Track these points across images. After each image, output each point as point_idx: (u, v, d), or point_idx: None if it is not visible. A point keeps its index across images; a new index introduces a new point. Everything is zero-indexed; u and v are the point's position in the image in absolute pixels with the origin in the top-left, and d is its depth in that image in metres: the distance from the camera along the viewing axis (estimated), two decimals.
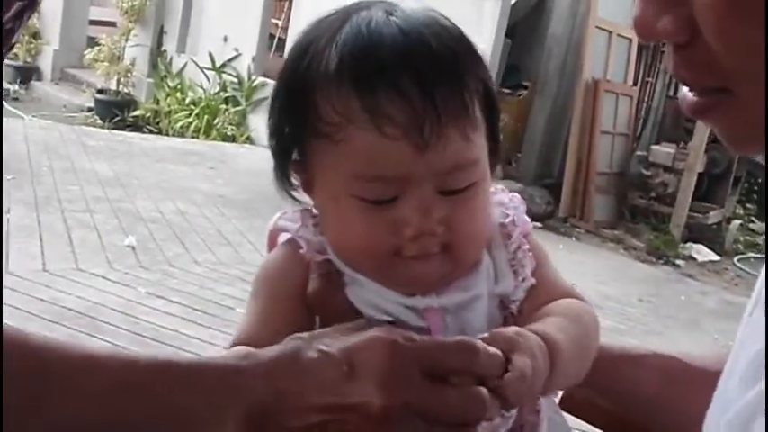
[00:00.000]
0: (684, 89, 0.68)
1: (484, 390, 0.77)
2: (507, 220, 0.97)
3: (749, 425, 0.55)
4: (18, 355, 0.74)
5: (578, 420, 1.16)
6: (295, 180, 0.95)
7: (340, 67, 0.86)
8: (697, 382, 0.76)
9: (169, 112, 11.47)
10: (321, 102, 0.87)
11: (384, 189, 0.86)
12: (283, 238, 0.97)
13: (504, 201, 0.99)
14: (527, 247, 0.97)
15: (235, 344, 0.91)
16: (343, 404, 0.74)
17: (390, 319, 0.90)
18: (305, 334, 0.80)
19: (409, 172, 0.85)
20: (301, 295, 0.93)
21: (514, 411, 0.93)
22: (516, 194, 1.02)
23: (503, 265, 0.95)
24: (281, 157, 0.95)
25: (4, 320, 0.77)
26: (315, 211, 0.96)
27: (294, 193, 0.96)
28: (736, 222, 9.98)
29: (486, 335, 0.82)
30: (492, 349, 0.79)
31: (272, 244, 0.99)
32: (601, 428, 1.22)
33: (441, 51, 0.87)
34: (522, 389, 0.80)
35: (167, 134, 11.00)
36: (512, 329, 0.85)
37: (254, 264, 5.77)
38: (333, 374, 0.75)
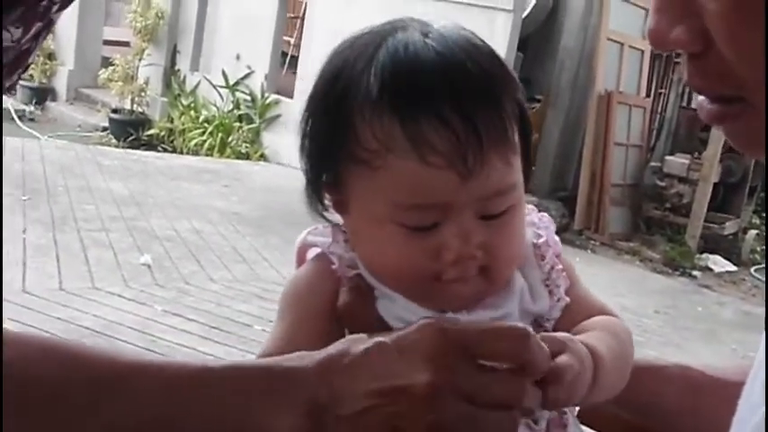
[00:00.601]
0: (700, 98, 0.69)
1: (526, 379, 0.77)
2: (540, 241, 0.97)
3: None
4: (71, 364, 0.76)
5: None
6: (327, 200, 0.94)
7: (380, 94, 0.85)
8: (719, 394, 0.76)
9: (183, 130, 11.52)
10: (360, 127, 0.86)
11: (425, 216, 0.86)
12: (312, 253, 0.97)
13: (535, 221, 0.99)
14: (560, 267, 0.97)
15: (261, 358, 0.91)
16: (393, 386, 0.74)
17: None
18: (352, 336, 0.81)
19: (452, 199, 0.85)
20: (331, 311, 0.92)
21: (542, 425, 0.93)
22: (546, 215, 1.02)
23: (537, 285, 0.96)
24: (314, 178, 0.94)
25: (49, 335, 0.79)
26: (344, 229, 0.96)
27: (325, 213, 0.95)
28: (753, 232, 9.93)
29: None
30: (542, 343, 0.79)
31: (300, 260, 0.99)
32: None
33: (479, 75, 0.86)
34: (564, 388, 0.80)
35: (182, 152, 11.05)
36: (562, 334, 0.86)
37: (270, 281, 5.79)
38: (384, 359, 0.76)
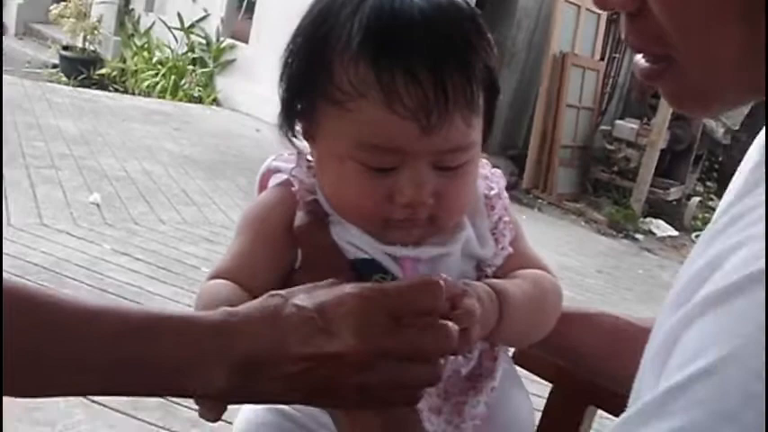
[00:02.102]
0: (637, 56, 0.75)
1: (450, 323, 0.83)
2: (492, 193, 1.04)
3: (680, 335, 0.61)
4: (19, 306, 0.78)
5: (528, 373, 1.22)
6: (297, 128, 0.99)
7: (361, 45, 0.89)
8: (639, 339, 0.81)
9: (136, 71, 11.39)
10: (338, 70, 0.91)
11: (385, 159, 0.91)
12: (274, 180, 1.03)
13: (488, 174, 1.06)
14: (507, 218, 1.05)
15: (214, 276, 0.97)
16: (322, 354, 0.79)
17: (368, 257, 0.97)
18: (282, 291, 0.84)
19: (411, 148, 0.91)
20: (287, 232, 0.98)
21: (475, 354, 1.00)
22: (498, 169, 1.08)
23: (485, 233, 1.03)
24: (288, 106, 0.98)
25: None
26: (310, 157, 1.01)
27: (293, 140, 1.00)
28: (696, 199, 10.13)
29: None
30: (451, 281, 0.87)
31: (262, 186, 1.05)
32: (550, 381, 1.29)
33: (456, 39, 0.91)
34: (472, 325, 0.88)
35: (133, 93, 10.93)
36: (460, 281, 0.94)
37: (218, 224, 5.80)
38: (309, 329, 0.80)
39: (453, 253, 1.00)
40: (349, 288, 0.82)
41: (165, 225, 5.57)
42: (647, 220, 9.33)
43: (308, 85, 0.95)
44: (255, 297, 0.89)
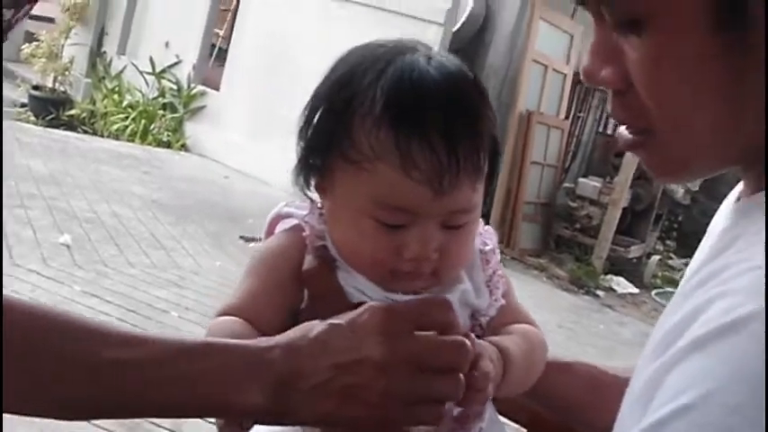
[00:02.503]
0: (621, 127, 0.86)
1: (463, 338, 0.91)
2: (487, 248, 1.13)
3: (663, 379, 0.70)
4: (66, 336, 0.85)
5: (508, 420, 1.30)
6: (312, 181, 1.06)
7: (382, 112, 0.97)
8: (614, 387, 0.89)
9: (105, 113, 11.42)
10: (358, 133, 0.98)
11: (397, 217, 0.99)
12: (284, 225, 1.10)
13: (481, 231, 1.15)
14: (501, 272, 1.14)
15: (223, 313, 1.04)
16: (350, 360, 0.86)
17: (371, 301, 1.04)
18: (309, 323, 0.92)
19: (422, 209, 0.99)
20: (296, 275, 1.05)
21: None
22: (490, 227, 1.17)
23: (481, 285, 1.11)
24: (304, 160, 1.06)
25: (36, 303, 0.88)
26: (321, 207, 1.08)
27: (307, 192, 1.08)
28: (656, 258, 10.30)
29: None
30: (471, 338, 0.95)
31: (269, 231, 1.12)
32: (524, 426, 1.35)
33: (468, 111, 1.00)
34: (487, 387, 0.97)
35: (102, 136, 10.95)
36: (479, 342, 1.01)
37: (187, 269, 5.84)
38: (340, 338, 0.88)
39: (452, 302, 1.08)
40: (376, 303, 0.91)
41: (135, 268, 5.60)
42: (608, 277, 9.47)
43: (326, 143, 1.02)
44: (263, 334, 0.97)
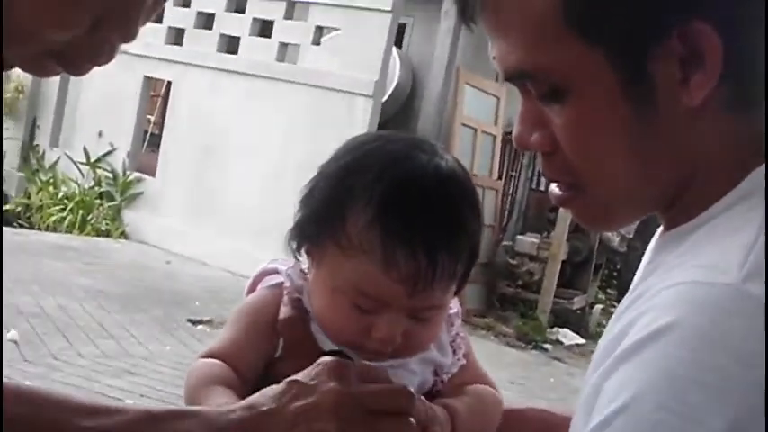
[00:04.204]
0: (552, 185, 0.99)
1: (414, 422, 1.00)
2: (452, 312, 1.23)
3: (601, 387, 0.81)
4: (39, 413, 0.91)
5: None
6: (303, 247, 1.18)
7: (375, 216, 1.08)
8: (564, 427, 1.00)
9: (41, 206, 11.34)
10: (351, 225, 1.10)
11: (369, 304, 1.11)
12: (267, 281, 1.21)
13: None
14: (463, 334, 1.25)
15: (207, 356, 1.15)
16: (307, 403, 0.95)
17: (338, 348, 1.15)
18: (270, 389, 1.00)
19: (395, 303, 1.10)
20: (273, 324, 1.17)
21: None
22: None
23: (445, 344, 1.22)
24: (301, 228, 1.17)
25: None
26: (303, 266, 1.20)
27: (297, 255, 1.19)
28: (599, 307, 10.48)
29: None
30: (422, 400, 1.06)
31: (254, 284, 1.24)
32: None
33: (456, 227, 1.12)
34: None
35: (40, 229, 10.86)
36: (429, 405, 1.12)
37: (138, 356, 5.83)
38: (295, 387, 0.97)
39: (409, 363, 1.18)
40: (333, 384, 0.98)
41: (85, 359, 5.58)
42: (554, 330, 9.60)
43: (322, 222, 1.13)
44: (241, 376, 1.10)
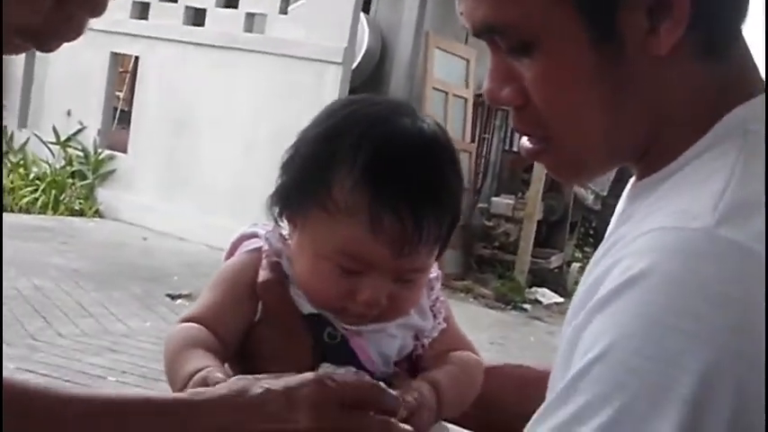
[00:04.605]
0: (523, 138, 0.99)
1: (389, 418, 1.00)
2: (432, 276, 1.23)
3: (579, 336, 0.82)
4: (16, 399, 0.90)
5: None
6: (285, 213, 1.17)
7: (361, 177, 1.08)
8: (543, 381, 1.01)
9: (13, 188, 11.25)
10: (336, 188, 1.09)
11: (355, 265, 1.10)
12: (246, 245, 1.21)
13: None
14: (443, 298, 1.25)
15: (186, 319, 1.14)
16: (281, 429, 0.93)
17: (318, 311, 1.15)
18: (250, 376, 0.99)
19: (381, 265, 1.10)
20: (253, 288, 1.16)
21: None
22: None
23: (426, 308, 1.23)
24: (283, 194, 1.16)
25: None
26: (283, 231, 1.19)
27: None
28: (576, 265, 10.55)
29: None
30: (392, 392, 1.04)
31: (233, 249, 1.23)
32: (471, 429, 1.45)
33: (441, 189, 1.12)
34: (415, 418, 1.07)
35: (12, 211, 10.78)
36: (413, 387, 1.13)
37: (118, 333, 5.83)
38: (275, 405, 0.94)
39: (392, 327, 1.19)
40: (311, 375, 0.98)
41: (65, 339, 5.57)
42: (533, 289, 9.67)
43: (307, 187, 1.13)
44: (221, 340, 1.09)
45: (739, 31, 0.93)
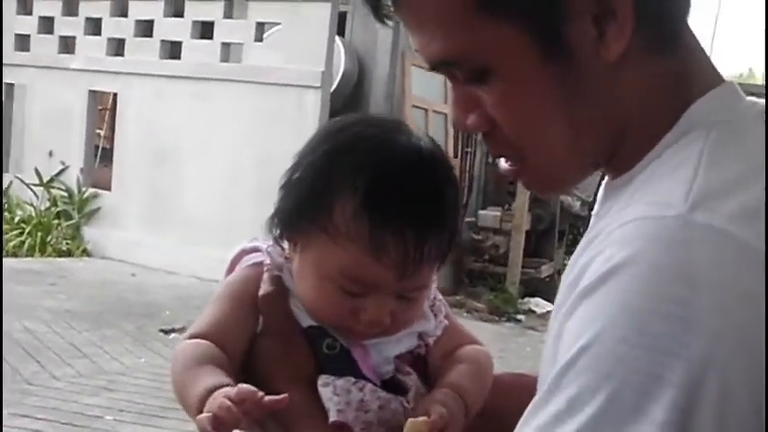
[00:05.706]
0: (500, 159, 1.01)
1: None
2: None
3: (564, 328, 0.83)
4: None
5: None
6: (285, 234, 1.18)
7: (362, 204, 1.08)
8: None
9: None
10: (337, 213, 1.10)
11: (358, 288, 1.11)
12: (248, 260, 1.21)
13: None
14: (441, 297, 1.26)
15: (192, 336, 1.15)
16: None
17: (318, 324, 1.15)
18: None
19: (384, 286, 1.11)
20: (254, 301, 1.17)
21: None
22: None
23: (426, 310, 1.23)
24: (284, 216, 1.16)
25: None
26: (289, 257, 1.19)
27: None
28: None
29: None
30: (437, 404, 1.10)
31: (233, 264, 1.23)
32: None
33: (440, 208, 1.13)
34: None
35: None
36: (438, 402, 1.14)
37: (114, 372, 5.79)
38: None
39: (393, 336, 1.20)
40: None
41: (60, 381, 5.53)
42: (525, 300, 9.68)
43: (308, 211, 1.13)
44: (228, 354, 1.11)
45: (686, 24, 0.95)
